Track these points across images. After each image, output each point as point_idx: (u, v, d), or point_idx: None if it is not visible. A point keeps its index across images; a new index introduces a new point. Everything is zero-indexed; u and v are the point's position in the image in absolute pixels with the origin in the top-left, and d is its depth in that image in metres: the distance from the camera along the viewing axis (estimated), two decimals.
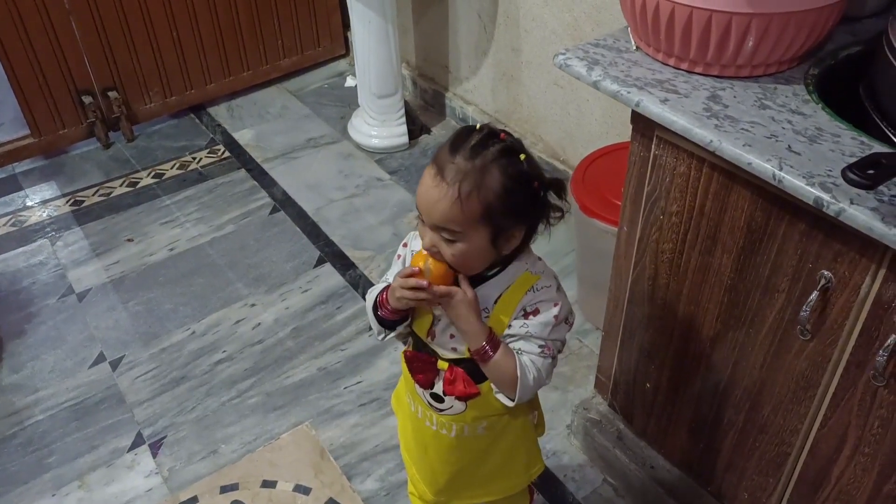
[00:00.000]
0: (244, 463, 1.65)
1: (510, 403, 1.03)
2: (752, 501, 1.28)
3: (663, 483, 1.45)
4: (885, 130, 0.98)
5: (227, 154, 2.66)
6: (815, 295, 0.98)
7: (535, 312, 1.00)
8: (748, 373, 1.16)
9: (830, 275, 0.96)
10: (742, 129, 0.97)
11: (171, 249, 2.25)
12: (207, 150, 2.68)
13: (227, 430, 1.73)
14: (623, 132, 1.99)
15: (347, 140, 2.69)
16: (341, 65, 3.14)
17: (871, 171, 0.82)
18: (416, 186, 0.96)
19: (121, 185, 2.52)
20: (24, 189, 2.51)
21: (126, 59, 2.59)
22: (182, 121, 2.85)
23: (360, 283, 2.10)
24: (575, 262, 2.05)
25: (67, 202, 2.45)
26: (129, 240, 2.29)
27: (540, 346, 1.01)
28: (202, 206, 2.42)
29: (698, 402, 1.29)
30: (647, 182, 1.19)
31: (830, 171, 0.89)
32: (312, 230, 2.31)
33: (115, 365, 1.89)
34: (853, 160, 0.86)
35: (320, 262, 2.19)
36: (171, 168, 2.60)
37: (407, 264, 1.05)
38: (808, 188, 0.87)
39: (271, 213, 2.38)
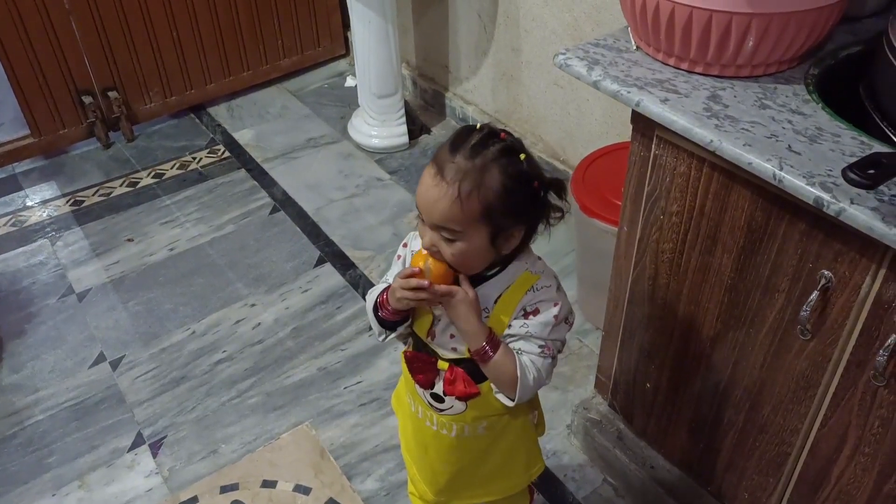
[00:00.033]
0: (244, 463, 1.65)
1: (510, 403, 1.03)
2: (752, 501, 1.28)
3: (663, 483, 1.45)
4: (886, 130, 0.98)
5: (227, 154, 2.66)
6: (815, 295, 0.98)
7: (535, 312, 1.00)
8: (748, 373, 1.16)
9: (831, 274, 0.96)
10: (742, 128, 0.97)
11: (171, 249, 2.25)
12: (207, 150, 2.68)
13: (227, 430, 1.73)
14: (623, 132, 1.99)
15: (347, 140, 2.69)
16: (341, 65, 3.14)
17: (871, 171, 0.83)
18: (416, 186, 0.96)
19: (121, 185, 2.52)
20: (24, 189, 2.51)
21: (126, 59, 2.59)
22: (182, 121, 2.85)
23: (360, 283, 2.10)
24: (575, 262, 2.05)
25: (67, 202, 2.45)
26: (129, 240, 2.29)
27: (540, 346, 1.01)
28: (202, 206, 2.42)
29: (698, 401, 1.29)
30: (647, 182, 1.19)
31: (831, 170, 0.89)
32: (312, 230, 2.31)
33: (115, 365, 1.89)
34: (853, 160, 0.87)
35: (320, 262, 2.19)
36: (171, 168, 2.60)
37: (407, 264, 1.05)
38: (809, 188, 0.87)
39: (271, 213, 2.38)
